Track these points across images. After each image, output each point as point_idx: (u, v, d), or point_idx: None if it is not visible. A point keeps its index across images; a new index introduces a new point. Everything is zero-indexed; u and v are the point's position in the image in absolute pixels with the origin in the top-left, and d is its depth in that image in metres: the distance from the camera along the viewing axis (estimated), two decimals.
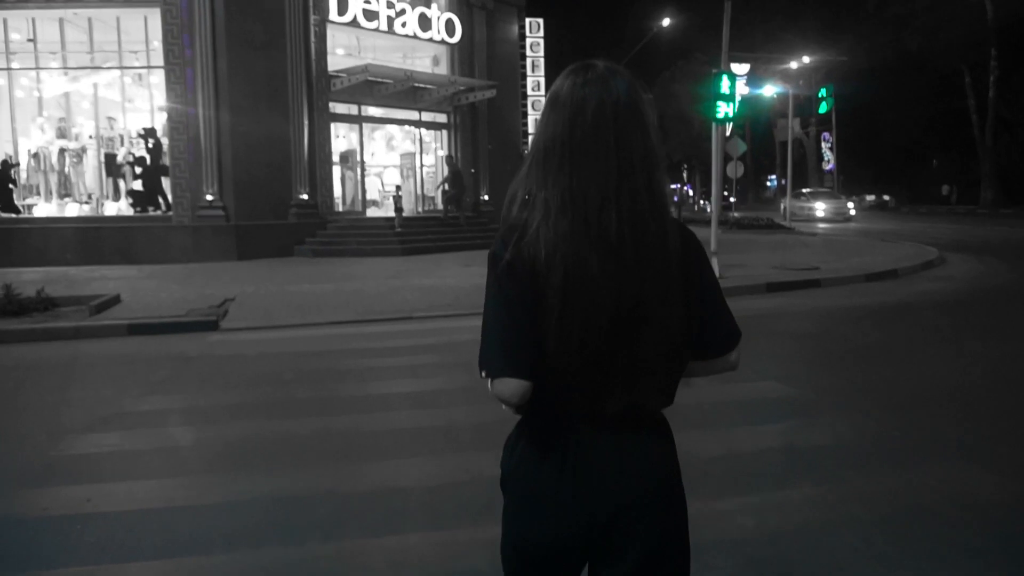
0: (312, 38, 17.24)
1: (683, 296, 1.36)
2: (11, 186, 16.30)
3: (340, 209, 18.71)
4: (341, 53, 19.06)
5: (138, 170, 16.39)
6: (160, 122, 16.44)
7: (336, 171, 18.78)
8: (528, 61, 24.52)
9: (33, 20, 16.69)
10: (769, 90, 34.98)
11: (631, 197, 1.32)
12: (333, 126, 18.38)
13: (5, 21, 16.69)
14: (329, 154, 17.89)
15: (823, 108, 33.82)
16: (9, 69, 16.81)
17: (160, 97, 16.44)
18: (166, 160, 16.20)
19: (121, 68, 16.98)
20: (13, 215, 16.31)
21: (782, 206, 28.56)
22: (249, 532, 3.52)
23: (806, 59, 33.65)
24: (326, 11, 17.41)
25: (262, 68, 16.37)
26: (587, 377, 1.34)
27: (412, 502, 3.82)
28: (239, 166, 16.15)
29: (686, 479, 1.51)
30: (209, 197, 15.91)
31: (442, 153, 20.95)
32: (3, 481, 4.22)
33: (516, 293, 1.32)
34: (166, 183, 16.28)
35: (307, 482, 4.09)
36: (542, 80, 25.22)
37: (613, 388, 1.35)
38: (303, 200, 17.14)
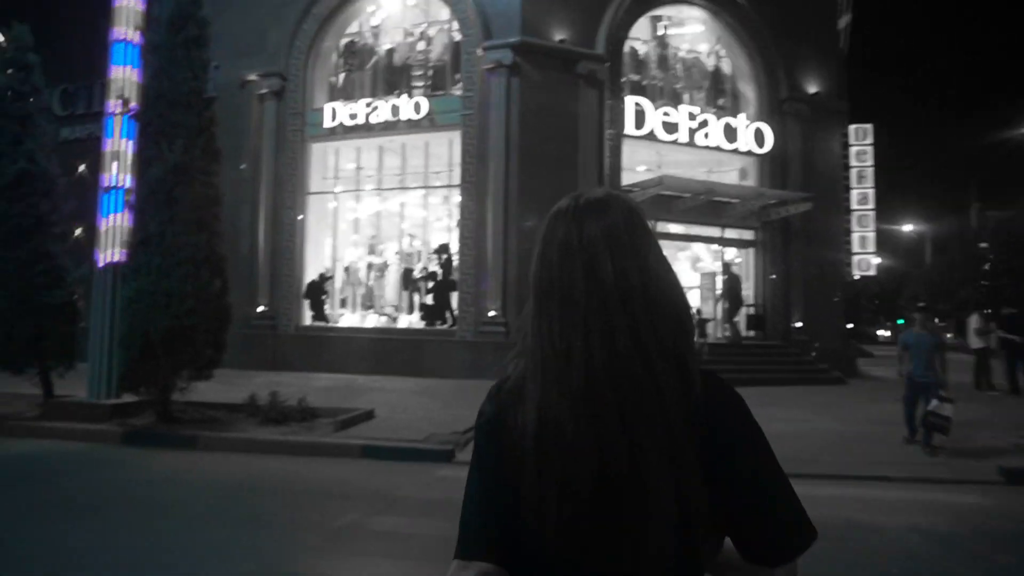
0: (606, 153, 16.59)
1: (698, 464, 1.06)
2: (324, 297, 17.48)
3: None
4: (641, 169, 18.19)
5: (430, 284, 16.68)
6: (454, 239, 16.67)
7: None
8: (853, 172, 21.54)
9: (359, 149, 18.24)
10: None
11: (604, 340, 1.09)
12: None
13: (337, 151, 18.45)
14: None
15: None
16: (334, 192, 18.42)
17: (456, 215, 16.74)
18: (457, 275, 16.28)
19: (425, 188, 17.75)
20: (323, 323, 17.41)
21: None
22: None
23: None
24: (622, 125, 16.71)
25: (552, 185, 15.93)
26: (572, 566, 1.08)
27: None
28: (524, 282, 15.63)
29: None
30: (492, 312, 15.53)
31: (730, 271, 18.81)
32: None
33: (490, 457, 1.17)
34: (454, 298, 16.31)
35: None
36: (871, 192, 21.93)
37: None
38: None
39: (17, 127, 10.07)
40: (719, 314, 17.65)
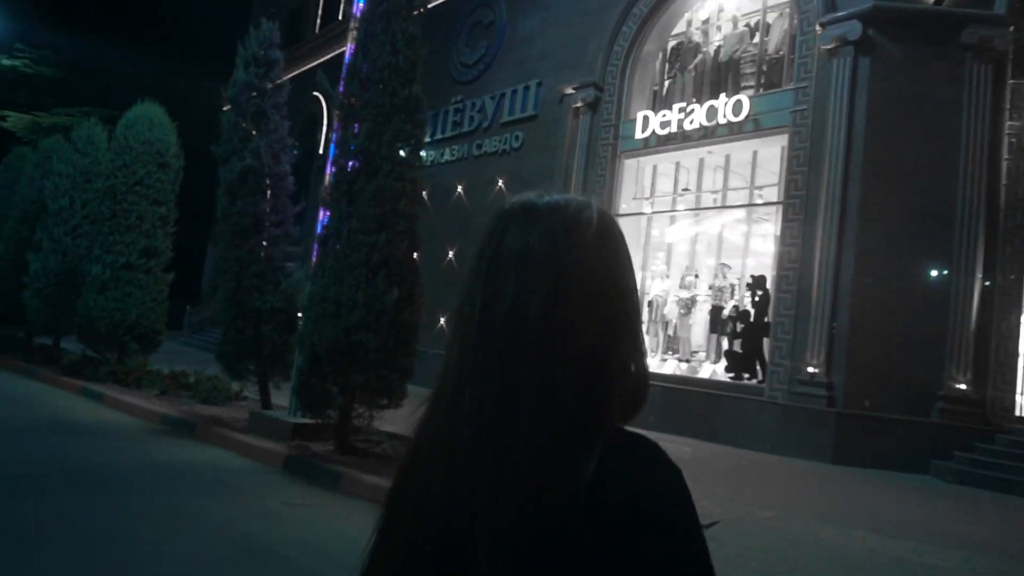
0: (1004, 153, 11.61)
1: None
2: None
3: None
4: None
5: (740, 327, 13.29)
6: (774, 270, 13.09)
7: None
8: None
9: (677, 163, 15.64)
10: None
11: (480, 386, 0.85)
12: None
13: (653, 167, 16.10)
14: (1018, 326, 11.53)
15: None
16: (645, 214, 16.00)
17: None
18: (771, 317, 12.69)
19: (749, 206, 14.41)
20: None
21: None
22: None
23: None
24: None
25: (911, 200, 11.58)
26: None
27: None
28: (859, 331, 11.49)
29: None
30: (811, 370, 11.65)
31: None
32: None
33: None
34: (767, 346, 12.71)
35: None
36: None
37: None
38: (959, 391, 11.23)
39: (250, 123, 9.70)
40: None
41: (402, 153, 8.25)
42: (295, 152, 10.03)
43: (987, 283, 11.36)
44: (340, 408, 8.34)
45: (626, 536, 0.76)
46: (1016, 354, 11.49)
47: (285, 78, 28.51)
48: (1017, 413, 11.52)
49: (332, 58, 25.36)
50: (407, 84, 8.29)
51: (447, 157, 20.37)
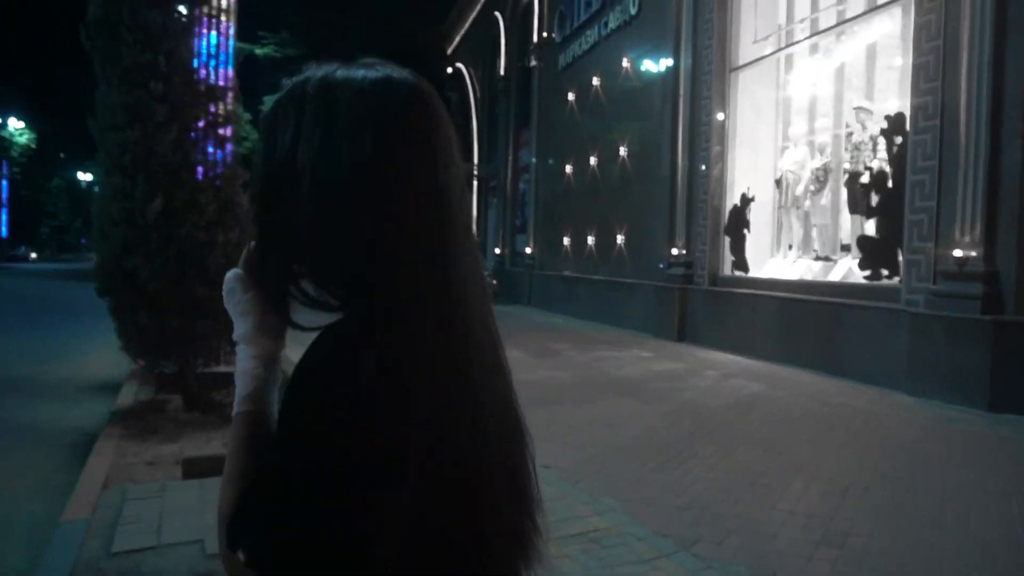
0: None
1: None
2: (746, 231, 11.07)
3: None
4: None
5: (875, 198, 8.66)
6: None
7: None
8: None
9: None
10: None
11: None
12: None
13: None
14: None
15: None
16: (764, 57, 11.43)
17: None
18: (908, 176, 7.99)
19: (873, 11, 9.35)
20: (741, 274, 11.09)
21: None
22: None
23: None
24: None
25: None
26: None
27: None
28: None
29: None
30: (959, 253, 6.98)
31: None
32: None
33: None
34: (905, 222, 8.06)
35: None
36: None
37: None
38: None
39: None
40: None
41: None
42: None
43: None
44: (173, 355, 6.57)
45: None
46: None
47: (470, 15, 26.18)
48: None
49: None
50: None
51: (583, 47, 17.13)
